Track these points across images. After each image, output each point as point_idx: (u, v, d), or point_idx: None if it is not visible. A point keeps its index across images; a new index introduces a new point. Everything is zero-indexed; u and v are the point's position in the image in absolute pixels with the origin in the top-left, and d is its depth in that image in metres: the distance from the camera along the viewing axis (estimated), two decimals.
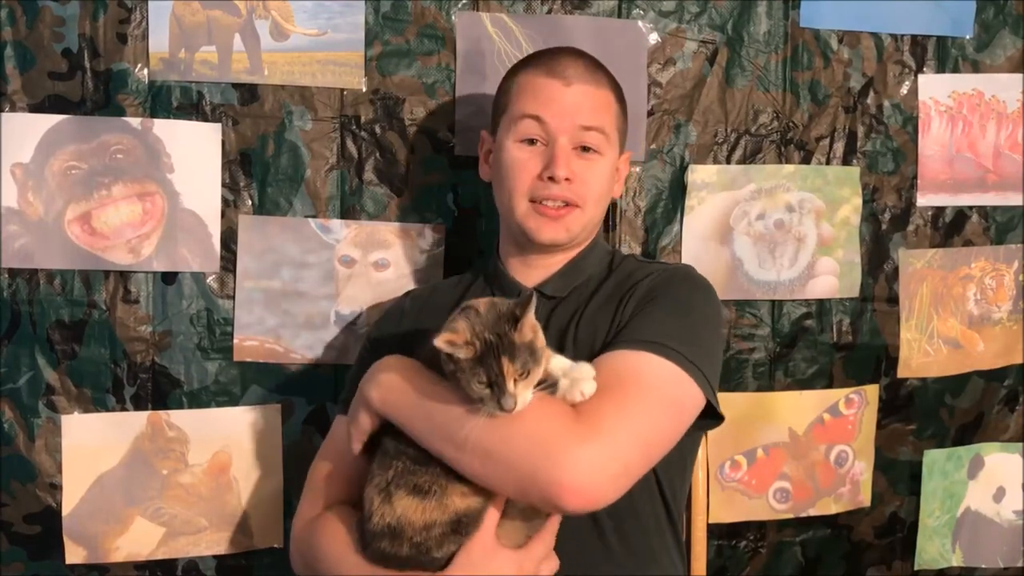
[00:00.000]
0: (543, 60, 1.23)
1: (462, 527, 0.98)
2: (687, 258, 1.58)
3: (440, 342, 0.91)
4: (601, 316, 1.15)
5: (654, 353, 1.03)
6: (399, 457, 1.00)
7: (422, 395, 0.99)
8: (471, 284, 1.32)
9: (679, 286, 1.15)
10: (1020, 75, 1.66)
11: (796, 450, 1.63)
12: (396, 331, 1.28)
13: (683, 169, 1.58)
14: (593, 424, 0.95)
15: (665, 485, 1.18)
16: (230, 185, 1.48)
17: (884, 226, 1.65)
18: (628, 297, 1.14)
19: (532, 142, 1.19)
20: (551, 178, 1.16)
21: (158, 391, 1.47)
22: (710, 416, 1.11)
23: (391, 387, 1.03)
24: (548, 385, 0.98)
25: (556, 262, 1.24)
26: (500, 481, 0.96)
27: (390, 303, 1.44)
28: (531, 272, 1.23)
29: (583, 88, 1.19)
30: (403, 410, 1.01)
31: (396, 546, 0.98)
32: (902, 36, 1.64)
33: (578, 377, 0.99)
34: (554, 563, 1.04)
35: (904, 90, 1.64)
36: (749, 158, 1.60)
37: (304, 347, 1.50)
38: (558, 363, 1.01)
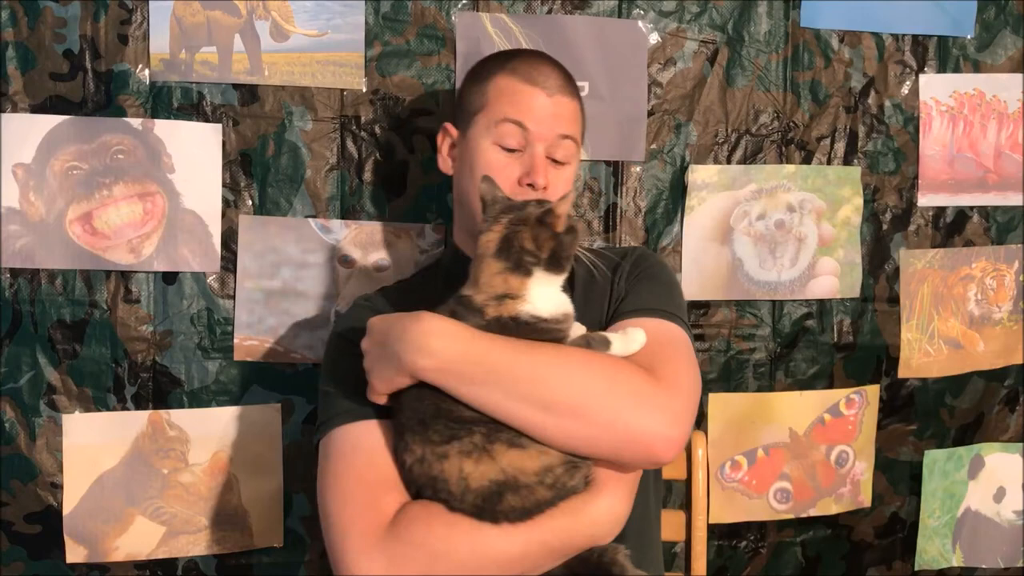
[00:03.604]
0: (521, 67, 1.22)
1: (579, 459, 0.97)
2: (688, 258, 1.59)
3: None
4: (597, 295, 1.19)
5: (664, 319, 1.09)
6: (470, 423, 0.95)
7: (495, 359, 0.95)
8: (437, 278, 1.29)
9: (654, 263, 1.25)
10: (1021, 75, 1.66)
11: (797, 450, 1.63)
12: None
13: (683, 169, 1.58)
14: (669, 378, 0.99)
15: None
16: (230, 185, 1.48)
17: (885, 226, 1.65)
18: (617, 276, 1.20)
19: (510, 148, 1.19)
20: (531, 185, 1.17)
21: (159, 391, 1.47)
22: None
23: (450, 356, 0.95)
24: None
25: None
26: (591, 440, 0.95)
27: (354, 307, 1.25)
28: None
29: (563, 100, 1.21)
30: (472, 377, 0.95)
31: (524, 496, 0.94)
32: (903, 36, 1.63)
33: (627, 328, 1.03)
34: None
35: (905, 90, 1.64)
36: (750, 158, 1.60)
37: (304, 347, 1.50)
38: (578, 329, 1.04)
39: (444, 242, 1.52)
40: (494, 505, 0.93)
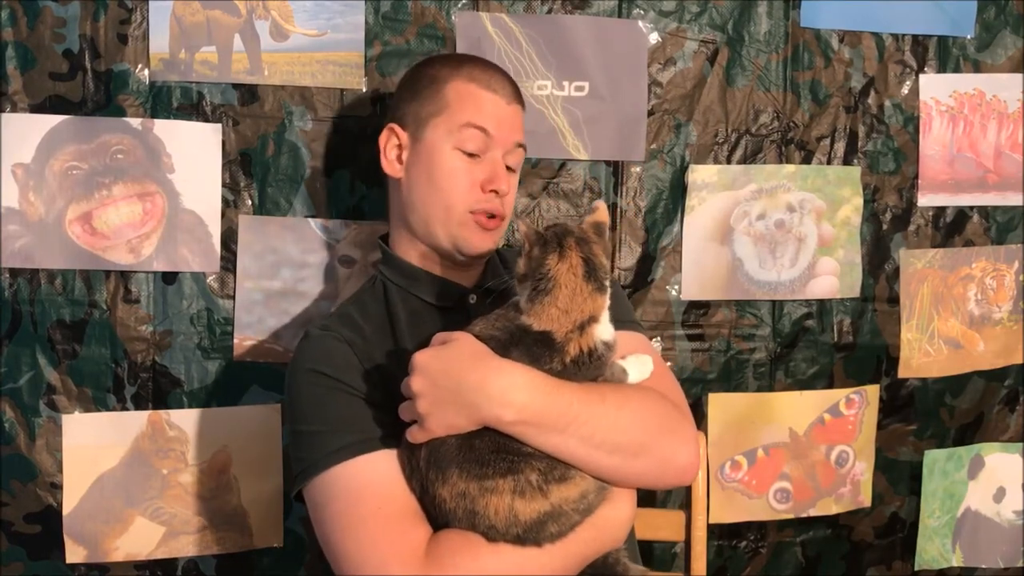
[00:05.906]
0: (478, 74, 1.20)
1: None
2: (688, 258, 1.58)
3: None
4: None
5: (639, 332, 1.19)
6: (525, 460, 0.95)
7: (576, 411, 0.95)
8: (386, 294, 1.21)
9: None
10: (1021, 75, 1.66)
11: (797, 450, 1.63)
12: (365, 362, 1.10)
13: (683, 169, 1.58)
14: (682, 404, 1.09)
15: None
16: (230, 185, 1.48)
17: (885, 226, 1.65)
18: None
19: (470, 153, 1.18)
20: (495, 191, 1.18)
21: (158, 391, 1.47)
22: None
23: (534, 409, 0.94)
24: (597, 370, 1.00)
25: (481, 260, 1.24)
26: (644, 474, 1.01)
27: (318, 338, 1.14)
28: (465, 273, 1.23)
29: (517, 108, 1.23)
30: (551, 428, 0.94)
31: (562, 522, 0.96)
32: (903, 36, 1.63)
33: (638, 352, 1.06)
34: None
35: (905, 90, 1.64)
36: (750, 158, 1.60)
37: None
38: None
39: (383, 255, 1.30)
40: (537, 534, 0.95)
